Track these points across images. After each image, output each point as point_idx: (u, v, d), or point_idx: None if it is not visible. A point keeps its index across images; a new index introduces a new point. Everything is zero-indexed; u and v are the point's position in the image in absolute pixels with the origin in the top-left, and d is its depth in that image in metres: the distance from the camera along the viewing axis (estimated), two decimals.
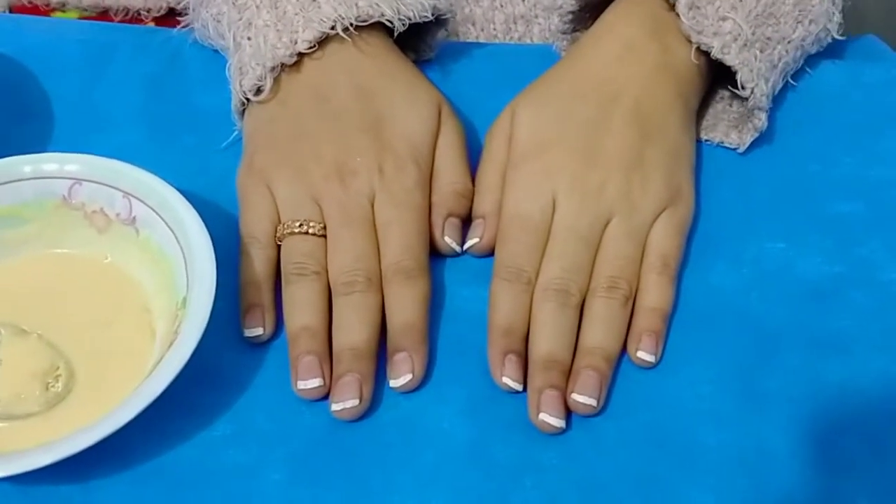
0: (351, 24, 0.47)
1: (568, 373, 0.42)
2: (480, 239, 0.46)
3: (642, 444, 0.40)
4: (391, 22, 0.48)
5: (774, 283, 0.45)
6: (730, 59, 0.47)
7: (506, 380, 0.42)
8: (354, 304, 0.43)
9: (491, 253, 0.46)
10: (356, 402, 0.41)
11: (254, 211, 0.45)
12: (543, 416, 0.41)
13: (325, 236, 0.44)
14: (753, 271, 0.46)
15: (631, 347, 0.43)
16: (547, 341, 0.42)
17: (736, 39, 0.47)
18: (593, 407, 0.41)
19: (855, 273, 0.46)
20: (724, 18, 0.47)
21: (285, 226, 0.45)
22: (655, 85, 0.47)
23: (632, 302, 0.44)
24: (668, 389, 0.42)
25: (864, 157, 0.51)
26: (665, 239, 0.45)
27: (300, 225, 0.44)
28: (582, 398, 0.41)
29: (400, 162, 0.46)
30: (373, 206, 0.45)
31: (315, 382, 0.41)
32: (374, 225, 0.45)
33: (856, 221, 0.48)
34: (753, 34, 0.47)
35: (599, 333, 0.43)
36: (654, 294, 0.44)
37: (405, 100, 0.47)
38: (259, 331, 0.43)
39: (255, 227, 0.45)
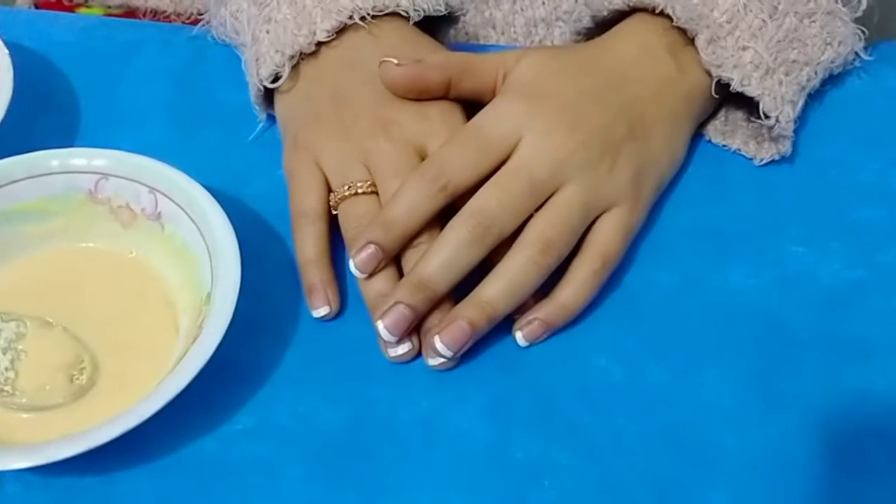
0: (368, 14, 0.47)
1: (435, 304, 0.41)
2: (398, 64, 0.44)
3: (661, 445, 0.41)
4: (406, 12, 0.48)
5: (795, 287, 0.45)
6: (751, 90, 0.46)
7: (353, 263, 0.41)
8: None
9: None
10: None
11: (301, 187, 0.45)
12: (381, 324, 0.40)
13: (377, 193, 0.44)
14: (775, 274, 0.46)
15: (518, 323, 0.43)
16: (437, 266, 0.41)
17: (757, 68, 0.46)
18: (446, 361, 0.41)
19: (876, 279, 0.46)
20: (744, 48, 0.47)
21: (336, 193, 0.44)
22: (660, 96, 0.47)
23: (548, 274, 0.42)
24: (688, 391, 0.42)
25: (887, 163, 0.50)
26: (612, 238, 0.43)
27: (348, 188, 0.44)
28: (442, 347, 0.41)
29: (444, 106, 0.46)
30: (422, 157, 0.44)
31: (404, 347, 0.42)
32: None
33: (877, 227, 0.48)
34: (775, 59, 0.47)
35: (502, 291, 0.41)
36: (577, 292, 0.43)
37: (431, 47, 0.48)
38: (325, 310, 0.44)
39: (303, 204, 0.45)
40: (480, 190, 0.42)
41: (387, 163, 0.44)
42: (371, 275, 0.42)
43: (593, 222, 0.44)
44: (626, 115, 0.45)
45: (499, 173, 0.42)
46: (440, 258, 0.41)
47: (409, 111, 0.45)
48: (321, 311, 0.44)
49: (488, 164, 0.43)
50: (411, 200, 0.42)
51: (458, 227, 0.41)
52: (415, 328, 0.42)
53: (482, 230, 0.41)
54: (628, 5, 0.48)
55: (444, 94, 0.46)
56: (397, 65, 0.45)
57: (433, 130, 0.45)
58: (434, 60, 0.45)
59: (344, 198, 0.44)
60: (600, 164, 0.43)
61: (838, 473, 0.40)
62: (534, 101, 0.44)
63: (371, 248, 0.42)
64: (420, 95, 0.45)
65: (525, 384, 0.42)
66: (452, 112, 0.46)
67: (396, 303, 0.41)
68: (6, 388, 0.40)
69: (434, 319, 0.42)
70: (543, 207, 0.43)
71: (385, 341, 0.42)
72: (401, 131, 0.45)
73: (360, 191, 0.44)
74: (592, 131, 0.44)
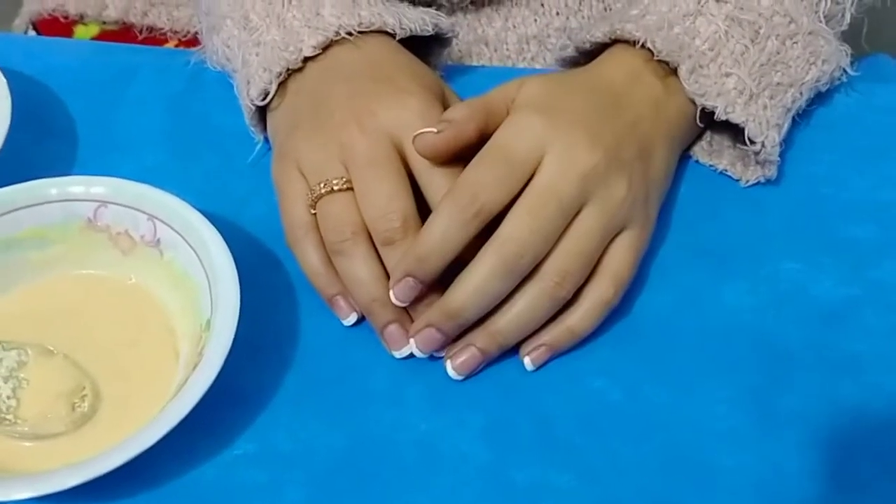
0: (354, 30, 0.47)
1: (464, 330, 0.43)
2: (438, 132, 0.42)
3: (659, 465, 0.41)
4: (393, 30, 0.48)
5: (789, 304, 0.46)
6: (735, 117, 0.47)
7: (392, 294, 0.42)
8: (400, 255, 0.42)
9: (441, 155, 0.43)
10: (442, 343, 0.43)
11: (289, 196, 0.45)
12: (413, 343, 0.42)
13: (353, 189, 0.43)
14: (769, 292, 0.46)
15: (525, 347, 0.43)
16: (470, 296, 0.41)
17: (741, 94, 0.47)
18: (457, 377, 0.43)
19: (868, 295, 0.46)
20: (727, 75, 0.47)
21: (313, 192, 0.44)
22: (656, 116, 0.47)
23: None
24: (684, 410, 0.42)
25: (877, 180, 0.51)
26: (624, 262, 0.43)
27: (324, 185, 0.43)
28: (453, 373, 0.43)
29: (425, 95, 0.45)
30: (400, 150, 0.43)
31: (408, 349, 0.43)
32: (403, 165, 0.43)
33: (869, 244, 0.48)
34: (759, 84, 0.47)
35: (514, 322, 0.42)
36: (585, 318, 0.43)
37: (415, 63, 0.48)
38: (354, 317, 0.45)
39: (292, 215, 0.45)
40: (510, 215, 0.41)
41: (360, 153, 0.43)
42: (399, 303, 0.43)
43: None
44: (633, 135, 0.45)
45: (527, 195, 0.41)
46: (475, 288, 0.41)
47: (385, 101, 0.44)
48: (350, 320, 0.45)
49: (517, 182, 0.41)
50: (445, 229, 0.41)
51: (491, 256, 0.41)
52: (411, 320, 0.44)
53: (515, 259, 0.41)
54: (610, 38, 0.49)
55: (480, 143, 0.43)
56: (436, 133, 0.42)
57: (409, 122, 0.43)
58: (462, 115, 0.43)
59: (320, 196, 0.43)
60: (617, 184, 0.43)
61: (834, 489, 0.40)
62: (549, 114, 0.43)
63: (410, 281, 0.41)
64: (461, 154, 0.43)
65: (523, 406, 0.43)
66: (432, 106, 0.45)
67: (428, 325, 0.42)
68: (8, 416, 0.40)
69: (436, 316, 0.43)
70: (564, 236, 0.42)
71: (389, 342, 0.44)
72: (375, 121, 0.44)
73: (335, 188, 0.43)
74: (608, 148, 0.43)
